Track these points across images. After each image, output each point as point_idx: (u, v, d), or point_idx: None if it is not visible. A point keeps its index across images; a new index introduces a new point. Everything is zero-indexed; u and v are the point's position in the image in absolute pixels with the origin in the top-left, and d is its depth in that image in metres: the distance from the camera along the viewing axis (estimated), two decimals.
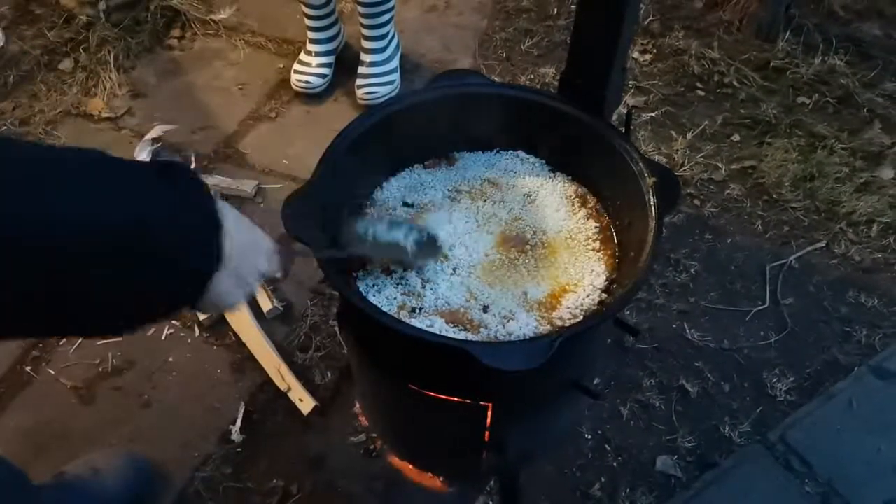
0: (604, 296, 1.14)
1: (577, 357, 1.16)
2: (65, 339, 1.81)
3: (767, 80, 2.38)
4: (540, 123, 1.27)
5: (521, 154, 1.33)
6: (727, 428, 1.67)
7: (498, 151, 1.34)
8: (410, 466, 1.41)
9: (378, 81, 2.25)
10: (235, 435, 1.64)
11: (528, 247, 1.20)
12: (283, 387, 1.68)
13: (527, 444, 1.29)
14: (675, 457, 1.63)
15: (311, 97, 2.32)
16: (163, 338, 1.80)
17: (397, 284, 1.15)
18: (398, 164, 1.31)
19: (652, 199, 1.12)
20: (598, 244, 1.21)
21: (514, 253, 1.20)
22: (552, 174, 1.30)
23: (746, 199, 2.10)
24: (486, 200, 1.27)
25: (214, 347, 1.79)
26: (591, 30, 1.20)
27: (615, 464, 1.62)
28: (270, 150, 2.18)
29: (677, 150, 2.19)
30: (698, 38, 2.50)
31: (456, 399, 1.12)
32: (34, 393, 1.72)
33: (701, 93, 2.37)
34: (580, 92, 1.26)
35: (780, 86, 2.37)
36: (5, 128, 2.24)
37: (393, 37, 2.31)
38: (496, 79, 2.38)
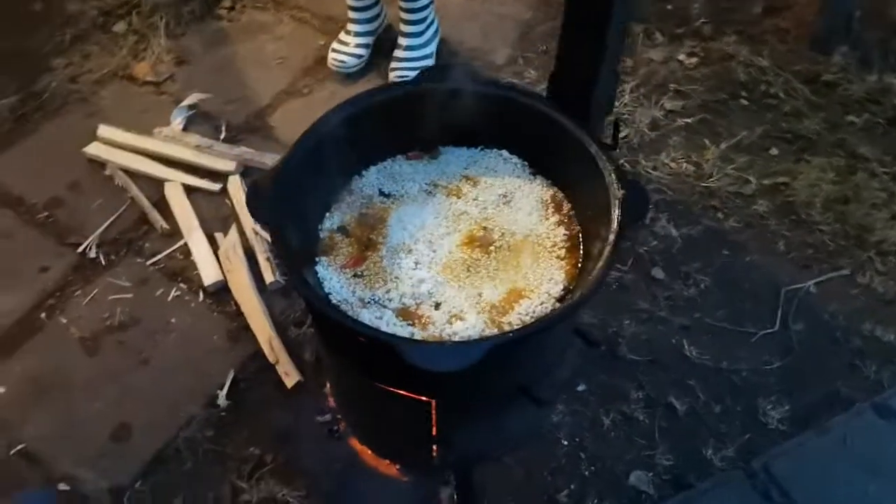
0: (557, 304, 1.12)
1: (522, 363, 1.15)
2: (80, 291, 1.90)
3: (816, 94, 2.28)
4: (525, 125, 1.26)
5: (505, 154, 1.32)
6: (710, 451, 1.62)
7: (482, 149, 1.33)
8: (369, 452, 1.43)
9: (411, 66, 2.26)
10: (221, 400, 1.69)
11: (492, 248, 1.20)
12: (272, 359, 1.72)
13: (476, 442, 1.29)
14: (651, 473, 1.60)
15: (346, 77, 2.34)
16: (169, 299, 1.87)
17: (359, 274, 1.17)
18: (380, 152, 1.32)
19: (616, 213, 1.09)
20: (563, 252, 1.19)
21: (478, 253, 1.19)
22: (532, 177, 1.29)
23: (773, 216, 2.02)
24: (460, 197, 1.27)
25: (215, 314, 1.84)
26: (576, 31, 1.18)
27: (587, 472, 1.60)
28: (298, 125, 2.15)
29: (708, 159, 2.13)
30: (750, 44, 2.41)
31: (401, 392, 1.13)
32: (44, 339, 1.82)
33: (743, 102, 2.28)
34: (568, 96, 1.24)
35: (829, 101, 2.26)
36: (56, 83, 2.34)
37: (432, 22, 2.31)
38: (532, 72, 2.35)
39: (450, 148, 1.34)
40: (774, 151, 2.16)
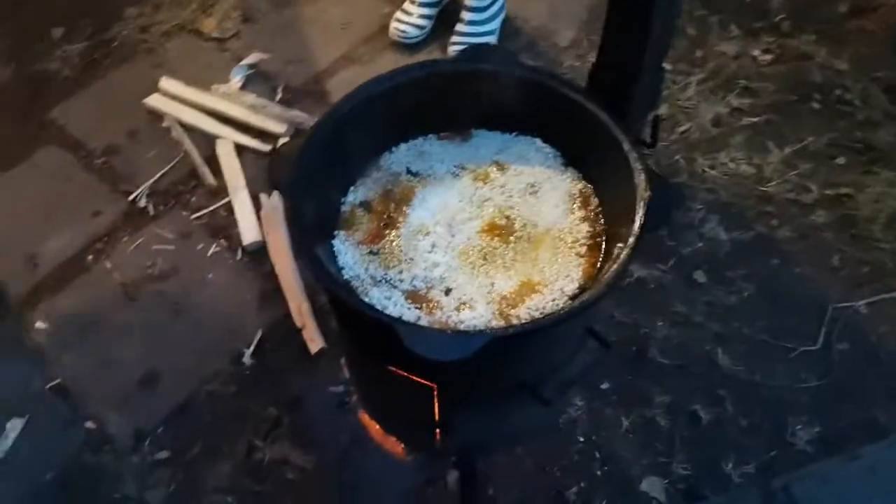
0: (569, 303, 1.10)
1: (525, 359, 1.13)
2: (127, 238, 1.95)
3: (895, 103, 2.15)
4: (560, 114, 1.22)
5: (538, 142, 1.28)
6: (730, 465, 1.58)
7: (517, 135, 1.30)
8: (377, 427, 1.44)
9: (470, 41, 2.22)
10: (247, 358, 1.73)
11: (512, 238, 1.17)
12: (299, 323, 1.74)
13: (479, 432, 1.28)
14: (665, 481, 1.56)
15: (406, 47, 2.33)
16: (208, 254, 1.91)
17: (374, 252, 1.16)
18: (413, 130, 1.30)
19: (639, 215, 1.06)
20: (584, 249, 1.16)
21: (497, 241, 1.17)
22: (563, 168, 1.25)
23: (830, 229, 1.92)
24: (486, 183, 1.24)
25: (250, 273, 1.87)
26: (620, 21, 1.13)
27: (599, 472, 1.58)
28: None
29: (769, 162, 2.04)
30: (830, 45, 2.28)
31: (403, 374, 1.13)
32: (89, 281, 1.89)
33: (815, 105, 2.17)
34: (608, 89, 1.20)
35: None
36: (126, 32, 2.40)
37: None
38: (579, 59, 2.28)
39: (483, 131, 1.31)
40: (841, 161, 2.05)
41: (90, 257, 1.92)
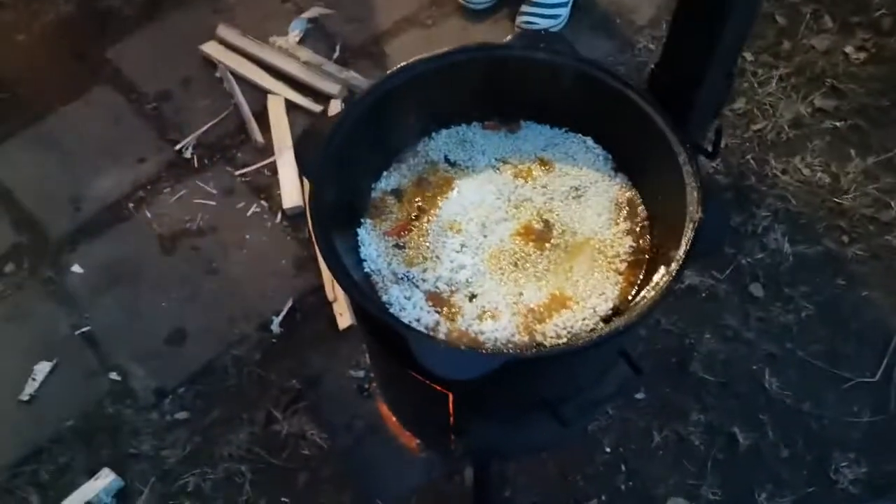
0: (601, 324, 1.01)
1: (546, 380, 1.05)
2: (169, 188, 1.93)
3: None
4: (615, 114, 1.12)
5: (589, 142, 1.19)
6: (764, 495, 1.49)
7: (567, 131, 1.20)
8: (393, 419, 1.39)
9: (541, 12, 2.10)
10: (275, 326, 1.69)
11: (548, 245, 1.09)
12: (330, 296, 1.70)
13: (496, 441, 1.21)
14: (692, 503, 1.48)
15: (472, 13, 2.21)
16: (248, 213, 1.87)
17: (399, 245, 1.10)
18: (456, 116, 1.22)
19: (687, 238, 0.96)
20: (623, 266, 1.07)
21: (531, 247, 1.09)
22: (612, 173, 1.16)
23: None
24: (528, 181, 1.15)
25: (288, 238, 1.83)
26: (689, 19, 1.02)
27: (623, 486, 1.51)
28: (412, 57, 2.12)
29: (848, 172, 1.88)
30: None
31: (419, 377, 1.07)
32: (128, 229, 1.87)
33: None
34: (669, 91, 1.09)
35: None
36: None
37: None
38: None
39: (532, 124, 1.21)
40: None
41: (131, 205, 1.90)
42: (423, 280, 1.06)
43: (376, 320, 0.94)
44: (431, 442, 1.35)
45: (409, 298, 1.04)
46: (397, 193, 1.15)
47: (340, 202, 1.07)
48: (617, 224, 1.11)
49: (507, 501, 1.48)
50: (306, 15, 2.19)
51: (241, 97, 2.05)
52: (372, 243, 1.09)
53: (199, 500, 1.51)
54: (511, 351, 0.97)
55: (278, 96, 2.03)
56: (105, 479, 1.51)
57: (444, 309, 1.03)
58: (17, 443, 1.57)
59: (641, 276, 1.06)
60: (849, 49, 2.11)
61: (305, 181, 1.79)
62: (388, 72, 1.13)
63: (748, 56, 2.10)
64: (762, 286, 1.73)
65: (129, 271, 1.80)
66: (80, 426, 1.60)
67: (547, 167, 1.17)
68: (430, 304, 1.04)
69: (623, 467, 1.53)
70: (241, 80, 2.09)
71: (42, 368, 1.66)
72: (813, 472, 1.51)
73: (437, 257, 1.08)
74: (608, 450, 1.54)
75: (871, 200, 1.84)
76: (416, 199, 1.14)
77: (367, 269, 1.07)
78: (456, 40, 2.17)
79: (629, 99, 1.09)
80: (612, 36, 2.15)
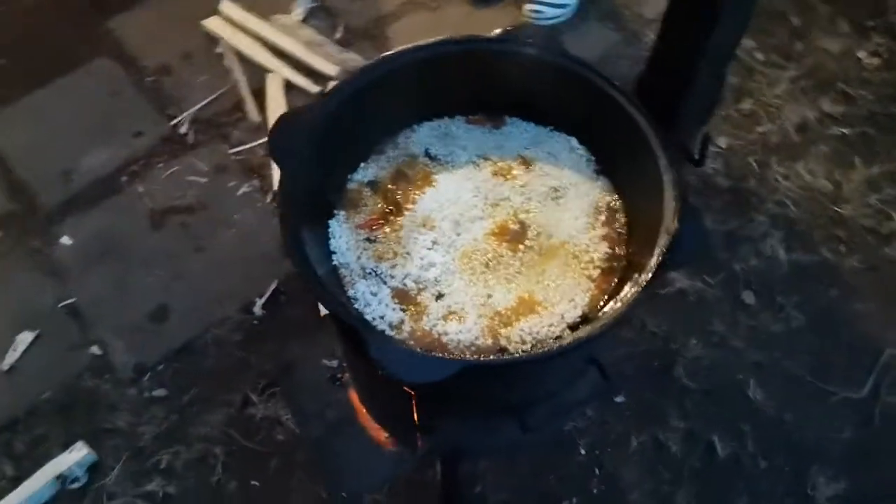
0: (567, 332, 0.99)
1: (509, 385, 1.03)
2: (163, 164, 1.92)
3: None
4: (600, 115, 1.09)
5: (574, 142, 1.16)
6: None
7: (552, 130, 1.18)
8: (364, 411, 1.38)
9: (549, 1, 2.06)
10: (258, 308, 1.68)
11: (522, 246, 1.07)
12: None
13: (461, 441, 1.20)
14: None
15: None
16: (239, 193, 1.86)
17: (371, 239, 1.08)
18: (440, 109, 1.19)
19: (659, 249, 0.93)
20: (596, 273, 1.04)
21: (504, 248, 1.07)
22: (595, 176, 1.13)
23: None
24: (507, 179, 1.13)
25: (277, 219, 1.81)
26: (679, 22, 0.99)
27: (595, 490, 1.49)
28: (414, 41, 2.09)
29: (852, 181, 1.84)
30: None
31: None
32: (119, 202, 1.86)
33: None
34: (657, 94, 1.06)
35: None
36: None
37: None
38: None
39: (516, 120, 1.19)
40: None
41: (124, 178, 1.89)
42: (392, 276, 1.04)
43: (335, 315, 0.92)
44: (400, 436, 1.34)
45: (375, 294, 1.02)
46: (374, 185, 1.13)
47: (313, 192, 1.06)
48: (594, 229, 1.08)
49: (477, 498, 1.47)
50: None
51: (240, 74, 2.03)
52: (343, 235, 1.08)
53: (170, 479, 1.51)
54: (470, 356, 0.94)
55: (277, 75, 2.01)
56: (79, 453, 1.51)
57: (410, 307, 1.01)
58: None
59: (614, 284, 1.03)
60: (862, 54, 2.05)
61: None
62: (371, 61, 1.11)
63: (758, 55, 2.05)
64: (754, 293, 1.70)
65: (118, 245, 1.79)
66: (58, 398, 1.60)
67: (528, 166, 1.14)
68: (397, 301, 1.02)
69: (597, 470, 1.51)
70: (242, 57, 2.07)
71: (24, 339, 1.66)
72: (790, 487, 1.49)
73: (408, 253, 1.06)
74: (583, 451, 1.53)
75: (872, 211, 1.80)
76: (393, 193, 1.12)
77: (335, 262, 1.05)
78: (460, 25, 2.13)
79: (615, 101, 1.06)
80: (620, 28, 2.11)
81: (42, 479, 1.49)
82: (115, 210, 1.85)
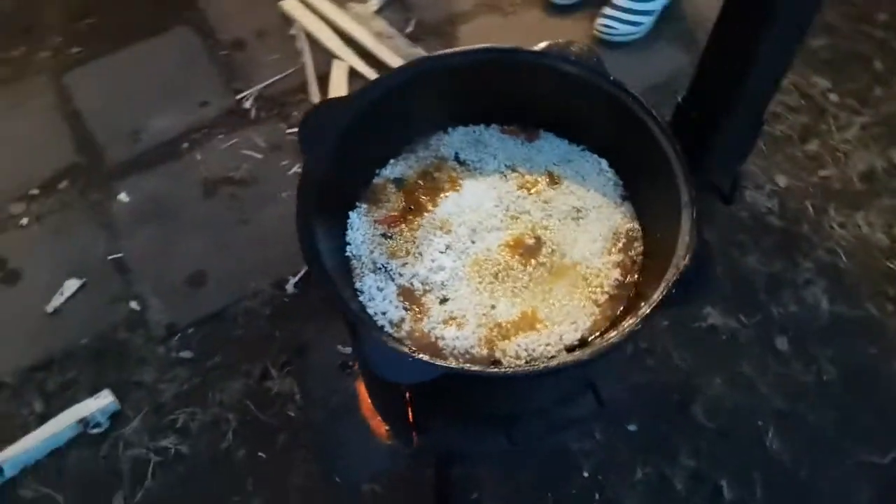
0: (563, 353, 0.99)
1: (493, 396, 1.04)
2: (223, 135, 1.98)
3: None
4: (632, 142, 1.08)
5: (604, 165, 1.15)
6: None
7: (584, 149, 1.17)
8: (368, 402, 1.40)
9: (622, 17, 2.04)
10: (290, 286, 1.73)
11: (534, 261, 1.07)
12: None
13: (455, 445, 1.21)
14: None
15: (555, 8, 2.17)
16: (290, 172, 1.91)
17: (387, 235, 1.10)
18: (476, 115, 1.20)
19: (666, 283, 0.92)
20: (604, 298, 1.03)
21: (516, 261, 1.07)
22: (620, 201, 1.12)
23: None
24: (531, 193, 1.13)
25: None
26: (717, 59, 0.97)
27: None
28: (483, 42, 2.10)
29: None
30: None
31: None
32: (177, 167, 1.93)
33: None
34: (692, 128, 1.04)
35: None
36: None
37: None
38: None
39: (550, 136, 1.19)
40: None
41: (185, 145, 1.97)
42: (400, 274, 1.05)
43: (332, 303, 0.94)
44: (397, 431, 1.36)
45: (381, 290, 1.04)
46: (399, 183, 1.15)
47: (337, 182, 1.08)
48: (609, 254, 1.07)
49: (472, 503, 1.48)
50: None
51: (308, 57, 2.08)
52: (361, 228, 1.10)
53: (184, 438, 1.57)
54: (460, 363, 0.95)
55: (343, 62, 2.05)
56: (104, 400, 1.58)
57: (414, 307, 1.03)
58: (34, 350, 1.66)
59: (619, 312, 1.02)
60: None
61: None
62: (415, 59, 1.13)
63: (832, 97, 1.98)
64: (788, 340, 1.65)
65: (170, 208, 1.86)
66: (92, 346, 1.67)
67: (554, 182, 1.14)
68: (401, 299, 1.03)
69: (598, 495, 1.49)
70: (313, 41, 2.11)
71: (71, 285, 1.74)
72: None
73: (420, 254, 1.07)
74: (586, 474, 1.51)
75: None
76: (417, 192, 1.14)
77: (348, 253, 1.08)
78: (531, 32, 2.13)
79: (647, 128, 1.05)
80: (689, 51, 2.07)
81: (66, 419, 1.57)
82: (172, 174, 1.92)
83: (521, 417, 1.06)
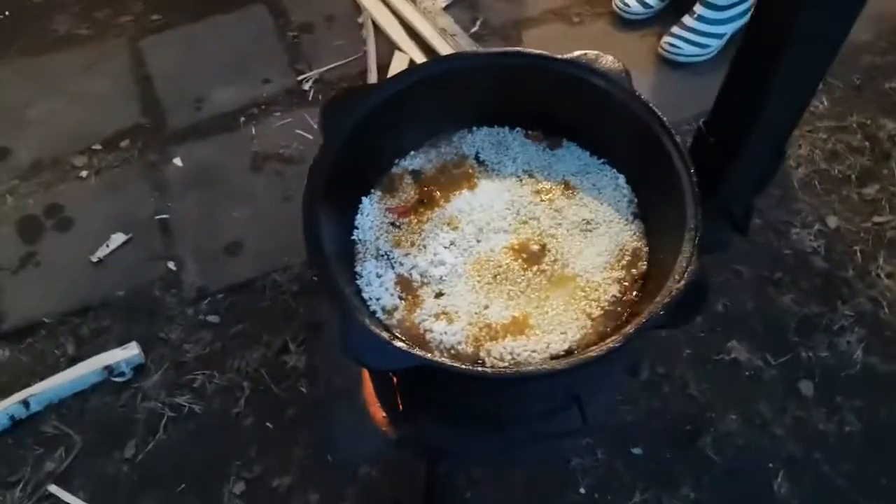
0: (548, 361, 0.98)
1: (478, 396, 1.04)
2: (279, 113, 2.04)
3: None
4: (650, 162, 1.07)
5: (621, 180, 1.14)
6: None
7: (603, 163, 1.16)
8: (370, 387, 1.42)
9: (690, 38, 2.00)
10: None
11: (535, 268, 1.07)
12: None
13: (443, 442, 1.21)
14: None
15: (623, 22, 2.15)
16: None
17: (396, 225, 1.11)
18: (502, 117, 1.20)
19: (656, 305, 0.91)
20: (598, 313, 1.03)
21: (518, 265, 1.07)
22: (631, 218, 1.11)
23: None
24: (544, 201, 1.13)
25: None
26: (737, 85, 0.95)
27: None
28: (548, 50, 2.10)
29: None
30: None
31: None
32: (231, 138, 2.00)
33: None
34: (711, 153, 1.03)
35: None
36: None
37: None
38: (821, 105, 1.98)
39: (573, 146, 1.18)
40: None
41: (242, 118, 2.03)
42: (401, 263, 1.07)
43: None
44: (392, 420, 1.37)
45: (379, 276, 1.06)
46: (416, 175, 1.17)
47: (353, 167, 1.10)
48: (612, 270, 1.06)
49: (463, 502, 1.48)
50: None
51: (372, 46, 2.11)
52: (371, 214, 1.12)
53: (199, 398, 1.62)
54: (443, 357, 0.96)
55: (405, 55, 2.08)
56: (130, 352, 1.65)
57: (409, 297, 1.04)
58: (74, 296, 1.75)
59: (611, 329, 1.01)
60: None
61: None
62: (443, 56, 1.14)
63: None
64: (814, 386, 1.60)
65: (218, 177, 1.93)
66: (128, 299, 1.75)
67: (569, 193, 1.14)
68: (398, 288, 1.05)
69: None
70: (379, 31, 2.15)
71: (117, 239, 1.82)
72: None
73: (424, 246, 1.08)
74: (583, 490, 1.50)
75: None
76: (432, 186, 1.15)
77: (354, 237, 1.10)
78: (595, 43, 2.10)
79: (665, 150, 1.03)
80: None
81: (93, 365, 1.64)
82: (225, 145, 1.99)
83: (507, 423, 1.06)
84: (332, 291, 0.93)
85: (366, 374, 1.45)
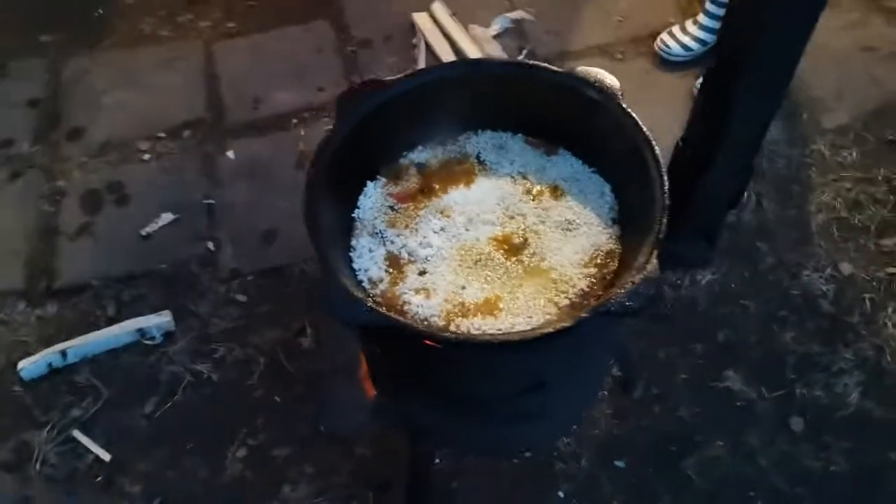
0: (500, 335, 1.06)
1: (444, 372, 1.13)
2: (327, 119, 2.18)
3: None
4: (631, 174, 1.14)
5: (607, 189, 1.22)
6: None
7: (593, 171, 1.24)
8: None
9: (680, 40, 2.12)
10: None
11: (515, 258, 1.15)
12: None
13: (420, 423, 1.29)
14: None
15: (665, 62, 2.23)
16: None
17: (395, 209, 1.22)
18: (505, 122, 1.30)
19: (608, 297, 0.99)
20: (565, 303, 1.10)
21: (500, 254, 1.16)
22: (610, 223, 1.18)
23: None
24: (533, 200, 1.22)
25: None
26: (705, 103, 1.03)
27: None
28: None
29: None
30: None
31: None
32: (282, 137, 2.16)
33: None
34: (685, 168, 1.10)
35: None
36: None
37: None
38: (850, 156, 2.01)
39: (568, 154, 1.27)
40: None
41: (294, 121, 2.19)
42: (392, 241, 1.17)
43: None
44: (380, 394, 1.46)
45: (371, 251, 1.16)
46: (421, 167, 1.27)
47: (360, 153, 1.21)
48: (585, 266, 1.14)
49: (449, 491, 1.55)
50: (511, 14, 2.33)
51: (422, 64, 2.24)
52: (373, 196, 1.23)
53: (217, 368, 1.75)
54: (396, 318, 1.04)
55: None
56: (163, 318, 1.80)
57: (394, 272, 1.14)
58: (121, 264, 1.91)
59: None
60: None
61: None
62: (456, 61, 1.25)
63: None
64: (805, 423, 1.62)
65: (265, 171, 2.08)
66: (168, 272, 1.90)
67: (557, 195, 1.22)
68: (386, 263, 1.15)
69: None
70: (431, 52, 2.28)
71: (166, 217, 1.99)
72: None
73: (416, 229, 1.18)
74: (562, 494, 1.55)
75: None
76: (433, 179, 1.25)
77: (354, 215, 1.21)
78: (634, 79, 2.20)
79: (645, 163, 1.10)
80: (790, 128, 2.06)
81: (129, 326, 1.79)
82: (275, 143, 2.15)
83: (474, 403, 1.14)
84: (320, 254, 1.03)
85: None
